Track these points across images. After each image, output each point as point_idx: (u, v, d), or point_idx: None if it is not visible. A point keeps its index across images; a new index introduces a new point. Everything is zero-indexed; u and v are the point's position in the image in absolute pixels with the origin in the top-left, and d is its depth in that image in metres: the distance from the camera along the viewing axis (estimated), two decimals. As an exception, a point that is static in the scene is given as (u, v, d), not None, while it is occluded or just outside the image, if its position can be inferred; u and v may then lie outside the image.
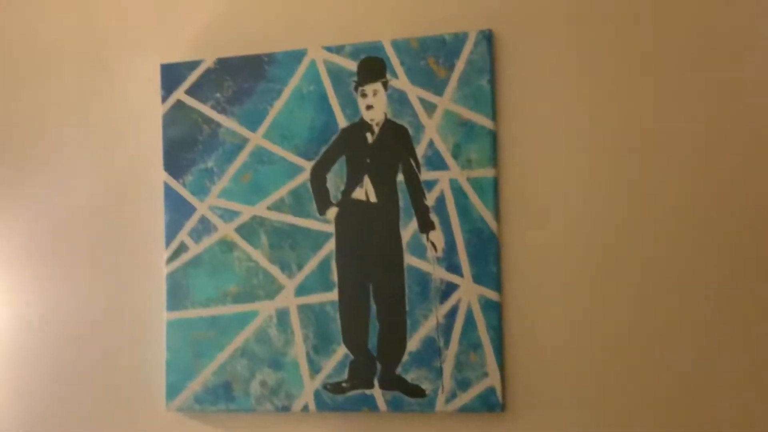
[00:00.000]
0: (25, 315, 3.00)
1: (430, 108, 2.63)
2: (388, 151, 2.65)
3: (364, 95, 2.68)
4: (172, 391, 2.79)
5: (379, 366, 2.63)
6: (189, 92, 2.82)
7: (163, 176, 2.84)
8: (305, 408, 2.68)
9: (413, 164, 2.62)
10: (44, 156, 3.01)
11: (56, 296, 2.98)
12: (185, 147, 2.82)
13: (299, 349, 2.69)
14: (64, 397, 2.95)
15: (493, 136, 2.58)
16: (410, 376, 2.60)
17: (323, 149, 2.70)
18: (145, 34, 2.94)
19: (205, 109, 2.81)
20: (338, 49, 2.71)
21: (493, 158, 2.57)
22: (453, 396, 2.57)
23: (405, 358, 2.61)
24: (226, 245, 2.77)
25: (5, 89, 3.07)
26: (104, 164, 2.96)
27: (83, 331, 2.95)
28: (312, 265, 2.69)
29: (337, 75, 2.71)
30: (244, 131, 2.77)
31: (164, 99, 2.85)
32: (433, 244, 2.60)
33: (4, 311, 3.01)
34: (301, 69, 2.73)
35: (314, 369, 2.68)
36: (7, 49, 3.08)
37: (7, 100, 3.07)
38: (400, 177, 2.64)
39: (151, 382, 2.85)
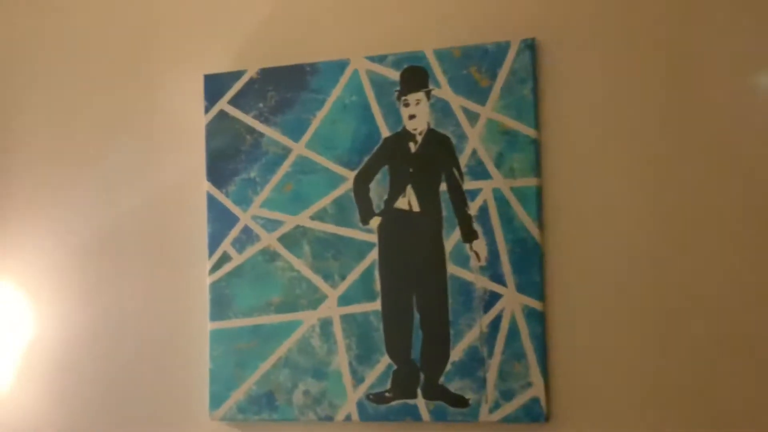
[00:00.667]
0: (69, 325, 3.02)
1: (472, 117, 2.62)
2: (430, 161, 2.65)
3: (406, 105, 2.68)
4: (216, 400, 2.80)
5: (422, 376, 2.62)
6: (232, 102, 2.83)
7: (206, 186, 2.85)
8: (348, 418, 2.68)
9: (456, 173, 2.62)
10: (89, 168, 3.03)
11: (100, 306, 2.99)
12: (228, 157, 2.83)
13: (342, 359, 2.69)
14: (108, 407, 2.97)
15: (536, 145, 2.57)
16: (453, 386, 2.59)
17: (366, 159, 2.70)
18: (188, 44, 2.96)
19: (248, 120, 2.82)
20: (381, 59, 2.71)
21: (536, 167, 2.57)
22: (496, 406, 2.56)
23: (448, 367, 2.60)
24: (269, 255, 2.78)
25: (53, 103, 3.10)
26: (148, 175, 2.97)
27: (127, 340, 2.96)
28: (355, 274, 2.69)
29: (379, 85, 2.71)
30: (286, 141, 2.78)
31: (207, 109, 2.86)
32: (476, 253, 2.60)
33: (50, 321, 3.03)
34: (344, 79, 2.74)
35: (357, 379, 2.67)
36: (54, 64, 3.11)
37: (54, 113, 3.09)
38: (443, 186, 2.63)
39: (195, 391, 2.86)
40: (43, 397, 3.03)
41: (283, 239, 2.76)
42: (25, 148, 3.11)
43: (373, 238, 2.68)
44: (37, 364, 3.04)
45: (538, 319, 2.53)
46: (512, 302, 2.55)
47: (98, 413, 2.98)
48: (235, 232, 2.81)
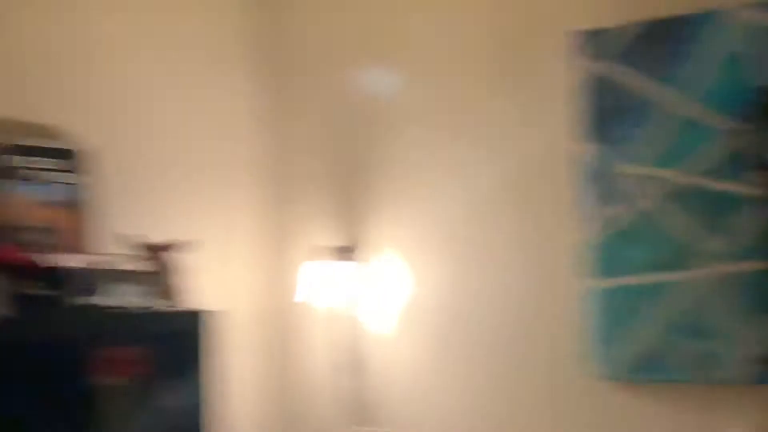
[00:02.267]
0: (454, 288, 3.11)
1: None
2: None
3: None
4: (601, 360, 2.79)
5: (822, 337, 2.50)
6: (613, 59, 2.78)
7: (585, 146, 2.82)
8: (741, 380, 2.59)
9: None
10: (465, 134, 3.09)
11: (480, 268, 3.05)
12: (608, 115, 2.78)
13: (731, 320, 2.60)
14: (485, 362, 3.04)
15: None
16: None
17: (755, 112, 2.59)
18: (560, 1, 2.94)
19: (630, 76, 2.75)
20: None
21: None
22: None
23: None
24: (654, 213, 2.72)
25: (425, 69, 3.17)
26: (524, 137, 2.98)
27: (504, 301, 3.00)
28: (746, 232, 2.59)
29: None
30: (671, 96, 2.69)
31: (585, 67, 2.82)
32: None
33: (429, 282, 3.13)
34: (730, 30, 2.63)
35: (748, 340, 2.58)
36: (428, 28, 3.17)
37: (427, 80, 3.16)
38: None
39: (577, 351, 2.85)
40: (421, 346, 3.16)
41: (669, 197, 2.69)
42: (401, 118, 3.21)
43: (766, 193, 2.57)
44: (416, 318, 3.16)
45: None
46: None
47: (482, 373, 3.04)
48: (614, 191, 2.77)
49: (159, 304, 2.76)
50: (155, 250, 2.77)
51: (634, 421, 2.77)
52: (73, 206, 2.84)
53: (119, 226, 2.89)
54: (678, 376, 2.67)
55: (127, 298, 2.73)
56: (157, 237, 2.81)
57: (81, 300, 2.63)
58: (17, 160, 2.73)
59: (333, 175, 3.33)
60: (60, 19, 2.90)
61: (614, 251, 2.77)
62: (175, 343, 2.80)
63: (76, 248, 2.82)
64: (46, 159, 2.78)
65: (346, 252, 3.22)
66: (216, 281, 3.16)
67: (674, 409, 2.73)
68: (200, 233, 3.03)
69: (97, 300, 2.66)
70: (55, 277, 2.62)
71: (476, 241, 3.05)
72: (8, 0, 2.79)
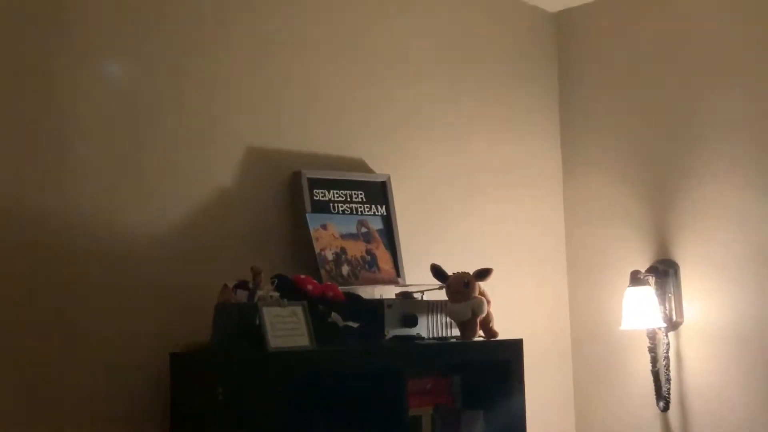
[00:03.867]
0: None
1: None
2: None
3: None
4: None
5: None
6: None
7: None
8: None
9: None
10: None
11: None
12: None
13: None
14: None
15: None
16: None
17: None
18: None
19: None
20: None
21: None
22: None
23: None
24: None
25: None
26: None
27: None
28: None
29: None
30: None
31: None
32: None
33: (735, 306, 3.17)
34: None
35: None
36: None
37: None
38: None
39: None
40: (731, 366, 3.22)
41: None
42: (708, 132, 3.23)
43: None
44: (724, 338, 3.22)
45: None
46: None
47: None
48: None
49: (469, 335, 2.77)
50: (466, 280, 2.76)
51: None
52: (383, 237, 2.86)
53: (420, 255, 2.92)
54: None
55: (437, 328, 2.74)
56: (453, 265, 2.82)
57: (392, 331, 2.65)
58: (328, 194, 2.77)
59: (640, 197, 3.32)
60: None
61: None
62: (485, 372, 2.81)
63: (387, 279, 2.84)
64: (356, 192, 2.81)
65: (657, 275, 3.21)
66: (517, 309, 3.18)
67: None
68: (500, 260, 3.06)
69: (408, 331, 2.67)
70: (364, 308, 2.65)
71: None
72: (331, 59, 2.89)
